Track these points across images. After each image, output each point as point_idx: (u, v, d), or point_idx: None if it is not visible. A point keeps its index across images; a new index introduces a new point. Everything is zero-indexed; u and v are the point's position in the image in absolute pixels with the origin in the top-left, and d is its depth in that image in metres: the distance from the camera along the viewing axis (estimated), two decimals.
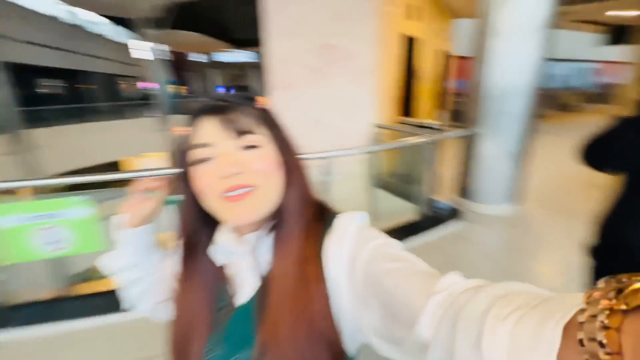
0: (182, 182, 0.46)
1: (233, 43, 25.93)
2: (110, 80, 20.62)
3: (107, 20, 19.62)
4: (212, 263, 0.48)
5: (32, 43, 13.75)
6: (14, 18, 12.28)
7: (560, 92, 13.95)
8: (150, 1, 11.45)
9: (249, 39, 26.62)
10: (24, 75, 13.06)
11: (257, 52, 28.04)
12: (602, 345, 0.17)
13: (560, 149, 6.14)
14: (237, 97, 0.45)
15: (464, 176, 3.39)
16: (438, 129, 3.60)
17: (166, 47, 12.42)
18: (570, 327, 0.19)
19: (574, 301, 0.21)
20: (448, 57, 6.83)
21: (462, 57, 8.59)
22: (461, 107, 9.18)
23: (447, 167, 4.24)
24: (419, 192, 3.22)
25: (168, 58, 12.65)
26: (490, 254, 2.57)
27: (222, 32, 23.22)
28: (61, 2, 15.00)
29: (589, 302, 0.19)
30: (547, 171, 4.56)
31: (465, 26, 7.06)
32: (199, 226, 0.48)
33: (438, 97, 6.62)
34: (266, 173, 0.42)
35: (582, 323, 0.19)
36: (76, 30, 16.98)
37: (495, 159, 3.13)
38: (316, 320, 0.40)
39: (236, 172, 0.40)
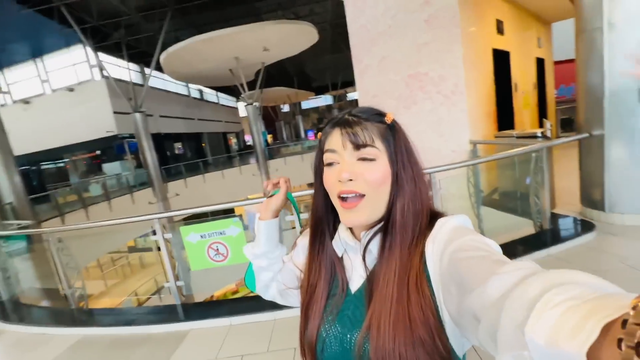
0: (318, 177, 0.55)
1: (314, 91, 28.67)
2: (219, 137, 24.68)
3: (213, 91, 24.17)
4: (332, 252, 0.56)
5: (167, 116, 17.74)
6: (155, 99, 16.18)
7: None
8: (245, 70, 13.85)
9: (326, 85, 28.63)
10: (162, 142, 16.84)
11: (334, 96, 30.21)
12: (638, 353, 0.17)
13: None
14: (366, 112, 0.51)
15: (589, 184, 3.04)
16: (544, 137, 3.36)
17: (259, 104, 14.50)
18: (611, 327, 0.19)
19: (627, 303, 0.20)
20: (545, 64, 6.33)
21: (568, 61, 7.78)
22: (567, 114, 8.16)
23: (564, 179, 3.84)
24: (532, 206, 3.01)
25: (261, 113, 14.75)
26: (636, 265, 2.21)
27: (303, 83, 26.03)
28: (181, 82, 19.30)
29: (635, 308, 0.19)
30: None
31: (562, 30, 6.53)
32: (325, 213, 0.57)
33: (540, 107, 6.09)
34: (374, 184, 0.47)
35: (624, 326, 0.19)
36: (193, 101, 21.29)
37: (629, 163, 2.75)
38: (415, 325, 0.42)
39: (349, 178, 0.48)
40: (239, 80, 14.21)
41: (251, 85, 15.24)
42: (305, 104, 33.65)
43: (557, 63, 7.26)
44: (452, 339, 0.43)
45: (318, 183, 0.55)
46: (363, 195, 0.48)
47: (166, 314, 2.46)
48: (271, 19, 15.32)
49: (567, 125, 7.72)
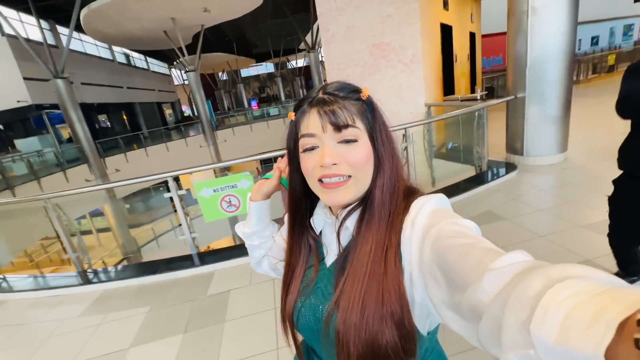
0: (293, 161, 0.54)
1: (255, 58, 27.44)
2: (154, 107, 22.55)
3: (142, 56, 21.65)
4: (309, 230, 0.58)
5: (90, 84, 15.64)
6: (74, 64, 14.10)
7: (595, 55, 13.62)
8: (182, 32, 12.81)
9: (268, 52, 27.21)
10: (87, 113, 14.95)
11: (276, 63, 29.39)
12: None
13: (598, 107, 6.48)
14: (342, 90, 0.49)
15: (513, 136, 3.94)
16: (481, 99, 4.18)
17: (198, 71, 13.66)
18: (626, 325, 0.19)
19: (638, 298, 0.20)
20: (475, 38, 7.28)
21: (489, 35, 8.96)
22: (491, 84, 9.54)
23: (490, 135, 4.82)
24: (473, 154, 3.84)
25: (200, 80, 13.92)
26: (548, 190, 3.14)
27: (244, 49, 24.73)
28: (103, 45, 16.97)
29: None
30: (588, 125, 4.97)
31: (490, 6, 7.49)
32: (303, 196, 0.57)
33: (472, 76, 7.10)
34: (358, 165, 0.47)
35: None
36: (120, 67, 18.95)
37: (540, 119, 3.66)
38: (387, 298, 0.43)
39: (332, 163, 0.47)
40: (176, 44, 13.12)
41: (188, 50, 14.14)
42: (245, 72, 32.16)
43: (487, 37, 8.36)
44: (417, 319, 0.44)
45: (294, 166, 0.55)
46: (349, 176, 0.48)
47: (187, 262, 2.72)
48: None
49: (490, 93, 9.07)
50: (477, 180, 3.60)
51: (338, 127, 0.46)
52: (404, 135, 3.07)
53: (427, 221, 0.42)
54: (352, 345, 0.42)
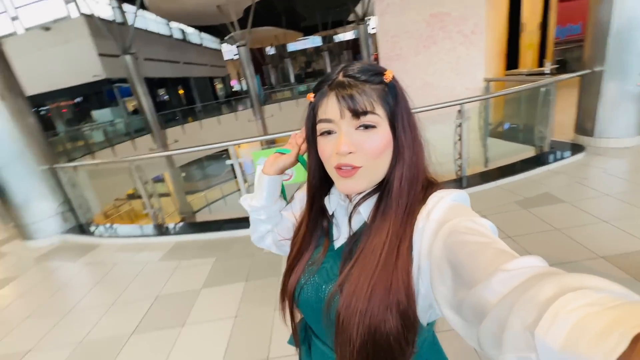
0: (311, 143, 0.53)
1: (302, 31, 27.09)
2: (206, 82, 23.71)
3: (196, 31, 22.50)
4: (323, 210, 0.57)
5: (152, 59, 16.80)
6: (137, 40, 15.17)
7: None
8: (235, 6, 13.00)
9: (316, 25, 26.69)
10: (150, 87, 16.22)
11: (323, 37, 28.76)
12: None
13: None
14: (363, 72, 0.46)
15: (584, 115, 3.60)
16: (551, 74, 3.82)
17: (248, 45, 13.90)
18: None
19: None
20: (550, 3, 6.49)
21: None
22: (564, 56, 8.48)
23: (557, 113, 4.41)
24: (533, 133, 3.59)
25: (249, 55, 14.21)
26: (619, 174, 2.88)
27: (292, 22, 24.50)
28: (162, 21, 17.92)
29: None
30: None
31: None
32: (321, 180, 0.56)
33: (542, 48, 6.42)
34: (374, 154, 0.46)
35: None
36: (176, 42, 19.99)
37: (618, 96, 3.28)
38: (395, 288, 0.42)
39: (349, 151, 0.45)
40: (228, 18, 13.43)
41: (239, 24, 14.38)
42: (291, 47, 32.00)
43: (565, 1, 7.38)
44: (419, 309, 0.44)
45: (312, 149, 0.53)
46: (360, 168, 0.46)
47: (245, 223, 3.02)
48: None
49: (561, 67, 8.11)
50: (537, 161, 3.39)
51: (356, 114, 0.45)
52: (459, 112, 2.97)
53: (443, 215, 0.41)
54: (355, 330, 0.43)
